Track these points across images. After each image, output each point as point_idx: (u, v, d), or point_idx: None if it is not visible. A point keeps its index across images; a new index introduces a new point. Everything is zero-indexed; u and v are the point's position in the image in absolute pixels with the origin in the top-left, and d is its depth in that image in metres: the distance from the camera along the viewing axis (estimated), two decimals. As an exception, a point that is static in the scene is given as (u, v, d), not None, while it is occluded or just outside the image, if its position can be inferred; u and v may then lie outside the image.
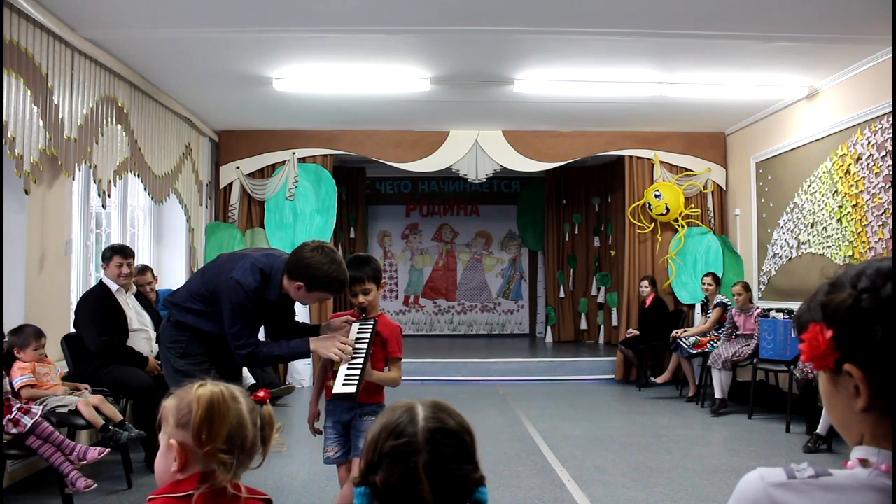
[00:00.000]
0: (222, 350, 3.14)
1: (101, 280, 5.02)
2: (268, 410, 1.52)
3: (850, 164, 5.94)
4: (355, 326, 3.06)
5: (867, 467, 0.91)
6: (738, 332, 6.72)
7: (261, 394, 1.55)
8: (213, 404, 1.43)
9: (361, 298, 3.05)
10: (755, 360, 6.38)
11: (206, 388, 1.45)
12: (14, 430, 3.62)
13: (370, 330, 2.99)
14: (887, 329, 0.88)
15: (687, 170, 8.44)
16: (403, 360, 3.17)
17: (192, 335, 3.21)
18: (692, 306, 8.11)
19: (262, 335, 3.36)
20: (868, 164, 5.71)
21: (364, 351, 2.93)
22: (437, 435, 1.13)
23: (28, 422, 3.65)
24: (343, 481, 3.10)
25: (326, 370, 3.13)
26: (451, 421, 1.16)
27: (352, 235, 10.98)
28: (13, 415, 3.65)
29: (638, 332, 7.96)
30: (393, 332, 3.08)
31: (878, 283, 0.91)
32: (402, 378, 3.17)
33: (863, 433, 0.94)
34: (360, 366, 2.89)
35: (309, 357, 3.22)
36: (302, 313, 7.42)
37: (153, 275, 6.04)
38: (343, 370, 2.91)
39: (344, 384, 2.87)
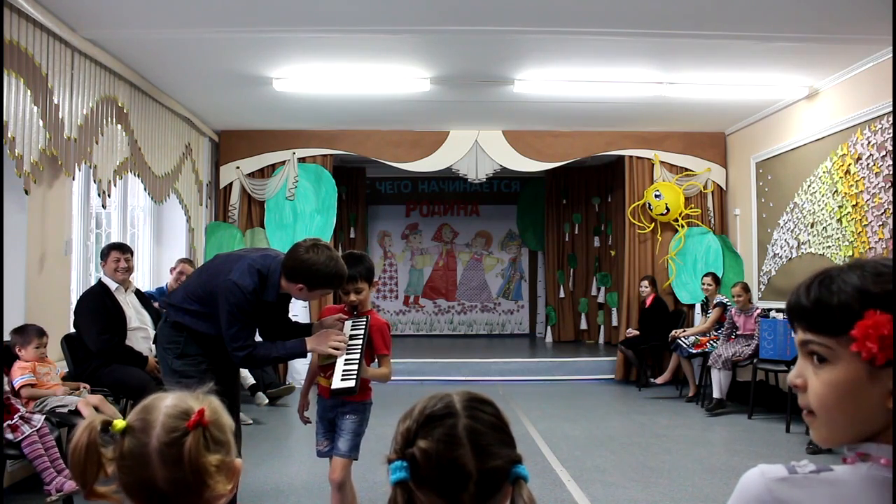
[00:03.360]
0: (220, 351, 3.15)
1: (100, 279, 5.03)
2: (190, 442, 1.15)
3: (850, 164, 5.94)
4: (348, 324, 3.08)
5: (867, 461, 0.91)
6: (737, 333, 6.72)
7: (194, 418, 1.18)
8: (81, 445, 1.21)
9: (353, 297, 3.07)
10: (755, 361, 6.39)
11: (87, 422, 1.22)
12: (10, 436, 3.60)
13: (363, 326, 3.03)
14: None
15: (687, 170, 8.44)
16: (405, 361, 3.19)
17: (189, 336, 3.21)
18: (692, 306, 8.11)
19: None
20: (868, 164, 5.71)
21: (359, 347, 2.96)
22: (473, 402, 1.12)
23: (27, 430, 3.63)
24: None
25: (318, 365, 3.17)
26: (490, 398, 1.15)
27: (352, 235, 10.99)
28: (13, 420, 3.63)
29: (638, 332, 7.96)
30: (380, 330, 3.10)
31: None
32: (403, 378, 3.18)
33: (879, 430, 0.91)
34: (357, 361, 2.93)
35: (305, 357, 3.24)
36: (302, 313, 7.43)
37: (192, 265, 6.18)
38: (340, 366, 2.94)
39: (342, 379, 2.89)
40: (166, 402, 1.23)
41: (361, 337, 2.98)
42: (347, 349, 2.97)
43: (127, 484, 1.19)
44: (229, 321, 3.06)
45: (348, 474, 3.05)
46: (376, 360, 3.12)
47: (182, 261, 6.24)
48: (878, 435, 0.91)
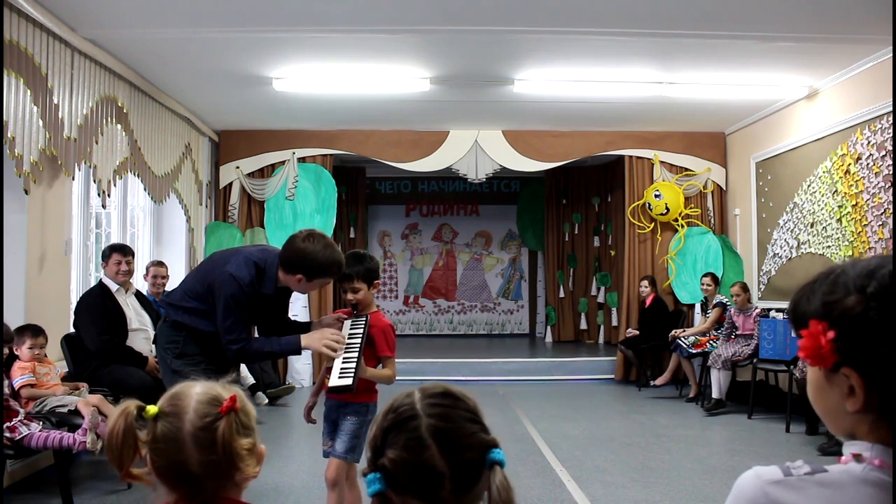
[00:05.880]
0: (219, 350, 3.14)
1: (100, 280, 5.03)
2: (223, 427, 1.23)
3: (849, 164, 5.94)
4: (347, 324, 3.07)
5: (861, 462, 0.91)
6: (737, 332, 6.72)
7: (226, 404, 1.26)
8: (118, 430, 1.24)
9: (351, 296, 3.06)
10: (755, 360, 6.39)
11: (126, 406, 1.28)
12: (8, 435, 3.59)
13: (362, 326, 3.01)
14: (891, 341, 0.87)
15: (687, 170, 8.44)
16: (404, 361, 3.18)
17: (188, 335, 3.21)
18: (692, 306, 8.11)
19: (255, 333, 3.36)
20: (868, 163, 5.71)
21: (357, 346, 2.94)
22: (437, 399, 1.09)
23: (24, 431, 3.63)
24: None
25: (324, 365, 3.15)
26: (451, 388, 1.13)
27: (352, 235, 10.99)
28: (12, 423, 3.63)
29: (638, 332, 7.96)
30: (382, 331, 3.07)
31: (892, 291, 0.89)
32: (403, 378, 3.16)
33: (852, 428, 0.94)
34: (355, 359, 2.91)
35: (300, 353, 3.23)
36: (302, 313, 7.43)
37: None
38: (338, 364, 2.93)
39: (340, 377, 2.88)
40: (196, 390, 1.28)
41: (360, 336, 2.97)
42: (346, 348, 2.97)
43: (160, 467, 1.23)
44: (225, 313, 3.05)
45: (343, 474, 3.04)
46: (381, 364, 3.09)
47: (153, 264, 6.20)
48: (861, 432, 0.93)
